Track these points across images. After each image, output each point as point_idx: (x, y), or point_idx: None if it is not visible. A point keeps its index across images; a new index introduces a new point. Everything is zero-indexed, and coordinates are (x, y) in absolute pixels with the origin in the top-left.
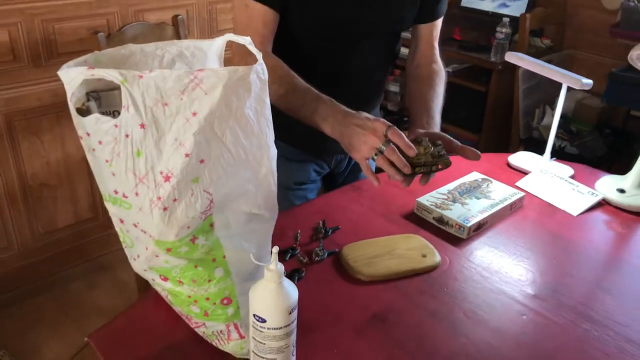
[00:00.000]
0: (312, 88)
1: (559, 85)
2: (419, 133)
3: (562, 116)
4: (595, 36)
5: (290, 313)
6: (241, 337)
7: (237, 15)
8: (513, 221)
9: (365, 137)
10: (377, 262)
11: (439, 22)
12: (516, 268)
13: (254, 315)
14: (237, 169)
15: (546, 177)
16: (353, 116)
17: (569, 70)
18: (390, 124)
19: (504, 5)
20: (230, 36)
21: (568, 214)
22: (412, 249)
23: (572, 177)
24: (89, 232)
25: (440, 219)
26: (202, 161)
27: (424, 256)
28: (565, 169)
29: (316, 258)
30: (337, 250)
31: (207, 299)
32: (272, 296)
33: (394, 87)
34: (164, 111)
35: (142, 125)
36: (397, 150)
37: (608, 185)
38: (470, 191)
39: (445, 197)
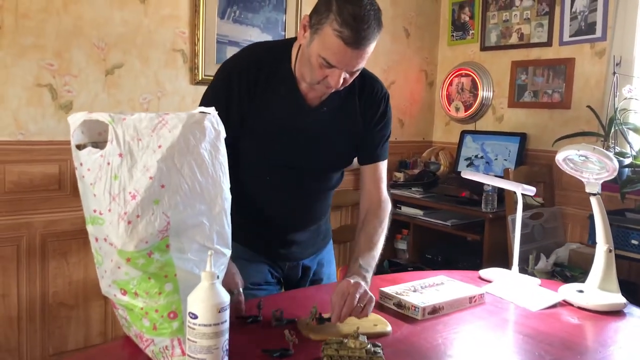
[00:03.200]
0: None
1: (551, 235)
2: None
3: (559, 264)
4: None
5: (219, 312)
6: (183, 353)
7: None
8: (472, 312)
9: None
10: (330, 327)
11: (383, 165)
12: (463, 350)
13: (189, 313)
14: (193, 200)
15: (512, 281)
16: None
17: (561, 222)
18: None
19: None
20: (199, 108)
21: (528, 310)
22: (365, 320)
23: (539, 285)
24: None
25: (399, 304)
26: (162, 186)
27: (375, 325)
28: (532, 280)
29: (274, 323)
30: (295, 319)
31: (157, 310)
32: (205, 294)
33: (402, 245)
34: (138, 144)
35: (120, 155)
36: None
37: (570, 288)
38: (433, 286)
39: (407, 288)
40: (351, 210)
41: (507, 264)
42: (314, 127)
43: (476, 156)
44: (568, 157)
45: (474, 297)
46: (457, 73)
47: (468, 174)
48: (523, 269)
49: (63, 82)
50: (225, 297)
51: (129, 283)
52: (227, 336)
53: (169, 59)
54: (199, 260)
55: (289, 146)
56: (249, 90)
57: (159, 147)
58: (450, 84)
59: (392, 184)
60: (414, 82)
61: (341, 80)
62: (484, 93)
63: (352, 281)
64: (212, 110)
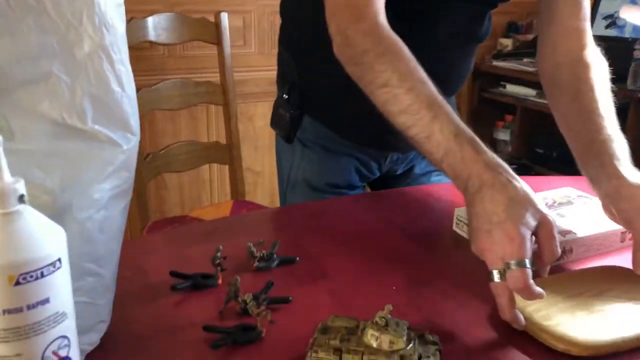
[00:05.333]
0: (438, 98)
1: None
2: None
3: None
4: None
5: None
6: None
7: None
8: (626, 258)
9: (505, 236)
10: (589, 319)
11: None
12: None
13: None
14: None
15: None
16: (507, 186)
17: None
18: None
19: None
20: None
21: None
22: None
23: None
24: None
25: None
26: None
27: None
28: None
29: (257, 264)
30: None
31: None
32: None
33: (503, 135)
34: None
35: None
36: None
37: None
38: (553, 206)
39: None
40: None
41: None
42: None
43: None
44: None
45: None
46: None
47: (629, 11)
48: None
49: None
50: (50, 250)
51: None
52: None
53: None
54: (43, 155)
55: None
56: None
57: None
58: None
59: (496, 54)
60: None
61: None
62: None
63: None
64: None
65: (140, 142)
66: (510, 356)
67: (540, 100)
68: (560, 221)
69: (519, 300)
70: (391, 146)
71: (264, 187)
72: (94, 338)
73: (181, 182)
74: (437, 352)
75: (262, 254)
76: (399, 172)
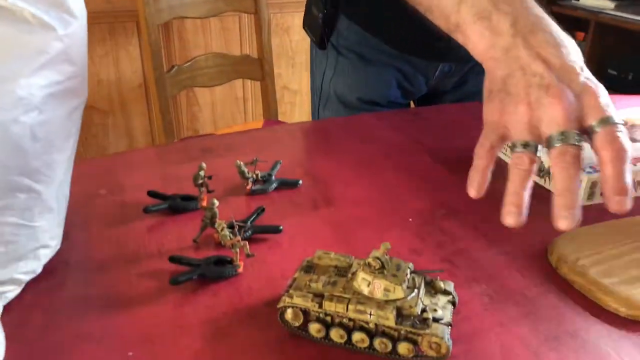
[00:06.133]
0: None
1: None
2: None
3: None
4: None
5: None
6: None
7: None
8: None
9: (547, 99)
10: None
11: None
12: None
13: None
14: None
15: None
16: (558, 45)
17: None
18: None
19: None
20: None
21: None
22: None
23: None
24: None
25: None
26: None
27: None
28: None
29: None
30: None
31: None
32: None
33: None
34: None
35: None
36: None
37: None
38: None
39: None
40: None
41: None
42: None
43: None
44: None
45: None
46: None
47: None
48: None
49: None
50: None
51: None
52: None
53: None
54: None
55: None
56: None
57: None
58: None
59: None
60: None
61: None
62: None
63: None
64: None
65: (168, 54)
66: (547, 316)
67: (619, 14)
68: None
69: (570, 249)
70: (442, 55)
71: (302, 108)
72: (33, 266)
73: (214, 99)
74: (450, 305)
75: (256, 175)
76: (449, 88)
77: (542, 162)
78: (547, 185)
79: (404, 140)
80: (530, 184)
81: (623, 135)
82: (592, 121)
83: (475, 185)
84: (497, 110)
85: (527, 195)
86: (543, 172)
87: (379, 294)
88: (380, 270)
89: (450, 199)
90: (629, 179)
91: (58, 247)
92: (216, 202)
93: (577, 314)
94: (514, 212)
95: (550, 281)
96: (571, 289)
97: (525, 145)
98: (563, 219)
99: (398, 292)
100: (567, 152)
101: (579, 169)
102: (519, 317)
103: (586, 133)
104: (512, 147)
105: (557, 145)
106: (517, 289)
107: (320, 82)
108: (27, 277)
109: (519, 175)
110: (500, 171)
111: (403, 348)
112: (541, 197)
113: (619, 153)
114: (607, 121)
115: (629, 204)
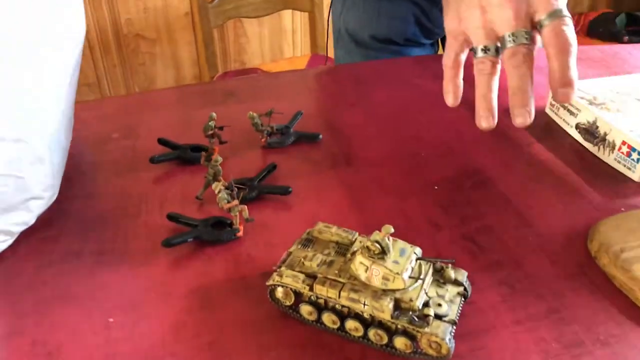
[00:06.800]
0: None
1: None
2: None
3: None
4: None
5: None
6: None
7: None
8: None
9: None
10: None
11: None
12: None
13: None
14: None
15: None
16: None
17: None
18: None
19: None
20: None
21: None
22: None
23: None
24: None
25: (590, 129)
26: None
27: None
28: None
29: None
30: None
31: None
32: None
33: None
34: None
35: None
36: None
37: None
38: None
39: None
40: None
41: None
42: None
43: None
44: None
45: None
46: None
47: None
48: None
49: None
50: None
51: None
52: None
53: None
54: None
55: None
56: None
57: None
58: None
59: None
60: None
61: None
62: None
63: None
64: None
65: None
66: (574, 317)
67: None
68: None
69: (616, 237)
70: None
71: None
72: (24, 217)
73: (261, 31)
74: (459, 298)
75: (271, 128)
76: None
77: (596, 128)
78: (603, 156)
79: (437, 91)
80: (496, 86)
81: (569, 29)
82: (541, 15)
83: (451, 94)
84: (455, 18)
85: (494, 97)
86: (598, 139)
87: (376, 282)
88: (380, 255)
89: (485, 166)
90: (574, 71)
91: (53, 198)
92: (219, 159)
93: (612, 317)
94: (485, 115)
95: (585, 273)
96: (609, 285)
97: (486, 49)
98: (519, 117)
99: (398, 282)
100: (519, 51)
101: (530, 67)
102: (540, 315)
103: (536, 29)
104: (474, 53)
105: (509, 46)
106: (543, 280)
107: (338, 17)
108: (19, 228)
109: (484, 79)
110: (548, 132)
111: (400, 342)
112: (592, 171)
113: (564, 46)
114: (554, 14)
115: (574, 97)
